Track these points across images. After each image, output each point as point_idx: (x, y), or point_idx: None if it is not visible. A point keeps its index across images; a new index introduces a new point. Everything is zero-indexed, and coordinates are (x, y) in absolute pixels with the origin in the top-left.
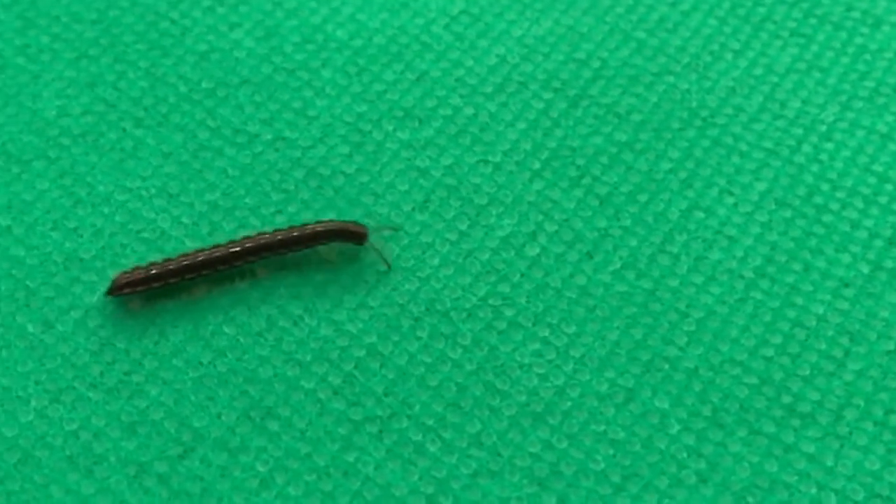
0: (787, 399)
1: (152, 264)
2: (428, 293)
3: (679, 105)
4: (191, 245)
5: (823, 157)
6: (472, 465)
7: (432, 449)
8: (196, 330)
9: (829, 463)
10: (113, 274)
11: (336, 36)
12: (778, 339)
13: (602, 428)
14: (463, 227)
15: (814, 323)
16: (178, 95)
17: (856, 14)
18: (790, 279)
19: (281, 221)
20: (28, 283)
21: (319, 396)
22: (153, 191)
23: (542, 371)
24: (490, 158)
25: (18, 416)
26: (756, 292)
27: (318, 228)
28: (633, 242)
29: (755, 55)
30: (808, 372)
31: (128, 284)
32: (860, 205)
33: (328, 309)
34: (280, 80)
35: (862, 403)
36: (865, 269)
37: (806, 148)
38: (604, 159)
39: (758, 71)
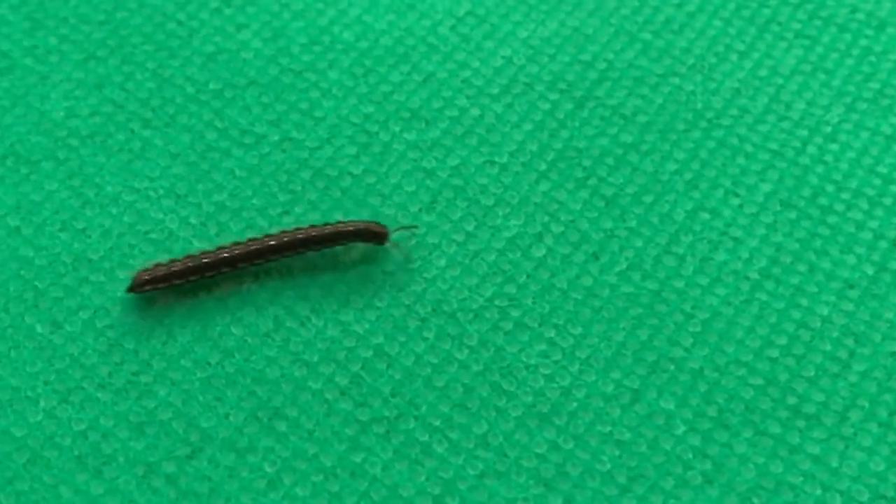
0: (792, 400)
1: (173, 261)
2: (434, 294)
3: (684, 106)
4: (198, 245)
5: (828, 158)
6: (479, 465)
7: (439, 449)
8: (204, 331)
9: (834, 464)
10: (134, 271)
11: (343, 37)
12: (783, 341)
13: (608, 429)
14: (469, 227)
15: (819, 324)
16: (185, 97)
17: (860, 16)
18: (795, 280)
19: (288, 222)
20: (37, 283)
21: (327, 397)
22: (161, 191)
23: (548, 372)
24: (496, 159)
25: (27, 417)
26: (761, 293)
27: (341, 228)
28: (639, 243)
29: (760, 56)
30: (813, 373)
31: (149, 281)
32: (865, 206)
33: (335, 310)
34: (287, 82)
35: (867, 405)
36: (870, 271)
37: (811, 149)
38: (609, 160)
39: (763, 72)
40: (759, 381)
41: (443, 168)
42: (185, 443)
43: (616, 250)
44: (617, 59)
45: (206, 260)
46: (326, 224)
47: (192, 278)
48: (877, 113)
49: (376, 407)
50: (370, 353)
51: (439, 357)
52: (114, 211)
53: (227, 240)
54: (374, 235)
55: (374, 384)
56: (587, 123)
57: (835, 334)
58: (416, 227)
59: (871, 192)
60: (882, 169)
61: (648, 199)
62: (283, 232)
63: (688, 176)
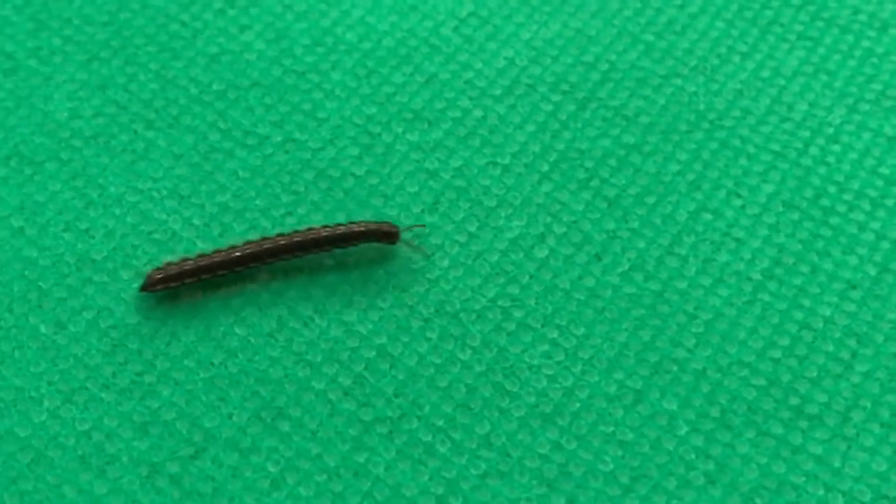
0: (794, 401)
1: (185, 260)
2: (437, 295)
3: (687, 108)
4: (201, 246)
5: (830, 159)
6: (482, 465)
7: (442, 450)
8: (207, 331)
9: (837, 464)
10: (147, 270)
11: (346, 39)
12: (785, 341)
13: (611, 429)
14: (472, 228)
15: (821, 325)
16: (188, 97)
17: (862, 17)
18: (797, 281)
19: (291, 223)
20: (41, 284)
21: (330, 397)
22: (164, 192)
23: (550, 372)
24: (499, 160)
25: (31, 417)
26: (764, 294)
27: (354, 229)
28: (642, 244)
29: (762, 58)
30: (815, 374)
31: (161, 280)
32: (867, 207)
33: (338, 310)
34: (290, 83)
35: (869, 405)
36: (872, 272)
37: (813, 150)
38: (612, 161)
39: (765, 74)
40: (762, 382)
41: (445, 169)
42: (188, 443)
43: (618, 251)
44: (619, 60)
45: (218, 259)
46: (339, 224)
47: (204, 277)
48: (879, 114)
49: (379, 407)
50: (373, 353)
51: (442, 357)
52: (117, 211)
53: (230, 240)
54: (386, 235)
55: (377, 384)
56: (589, 125)
57: (837, 335)
58: (422, 226)
59: (873, 193)
60: (884, 170)
61: (651, 200)
62: (296, 232)
63: (690, 177)
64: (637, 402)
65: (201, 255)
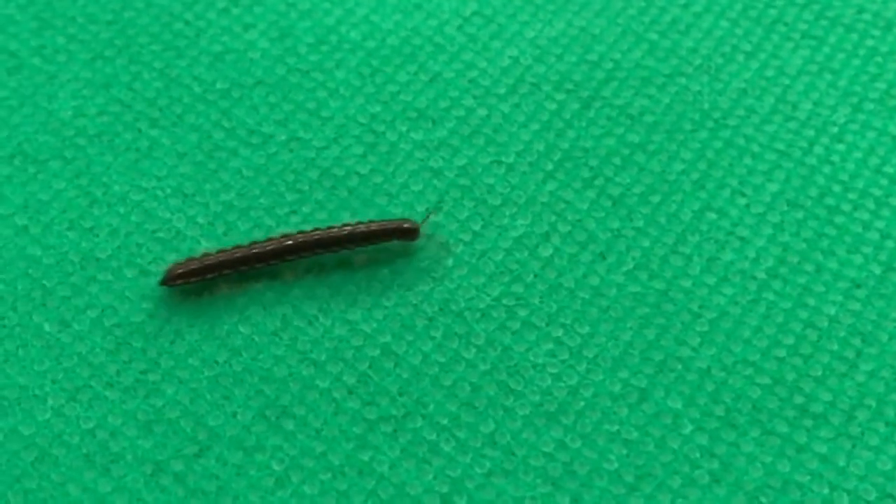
0: (799, 399)
1: (206, 255)
2: (442, 293)
3: (691, 106)
4: (206, 245)
5: (835, 158)
6: (487, 464)
7: (447, 448)
8: (211, 329)
9: (842, 463)
10: (167, 265)
11: (350, 37)
12: (790, 340)
13: (615, 428)
14: (476, 227)
15: (826, 324)
16: (192, 96)
17: (867, 16)
18: (802, 280)
19: (296, 222)
20: (45, 282)
21: (334, 396)
22: (168, 191)
23: (555, 371)
24: (503, 159)
25: (35, 415)
26: (768, 293)
27: (374, 227)
28: (646, 243)
29: (767, 57)
30: (820, 373)
31: (182, 275)
32: (872, 206)
33: (343, 309)
34: (294, 81)
35: (874, 404)
36: (877, 270)
37: (817, 149)
38: (616, 160)
39: (769, 72)
40: (767, 381)
41: (450, 168)
42: (192, 441)
43: (623, 250)
44: (624, 59)
45: (239, 254)
46: (359, 223)
47: (224, 273)
48: (883, 113)
49: (384, 406)
50: (378, 352)
51: (447, 356)
52: (121, 210)
53: (234, 239)
54: (407, 232)
55: (381, 383)
56: (594, 123)
57: (842, 334)
58: (434, 211)
59: (877, 192)
60: (889, 169)
61: (655, 198)
62: (316, 230)
63: (695, 176)
64: (642, 401)
65: (221, 251)
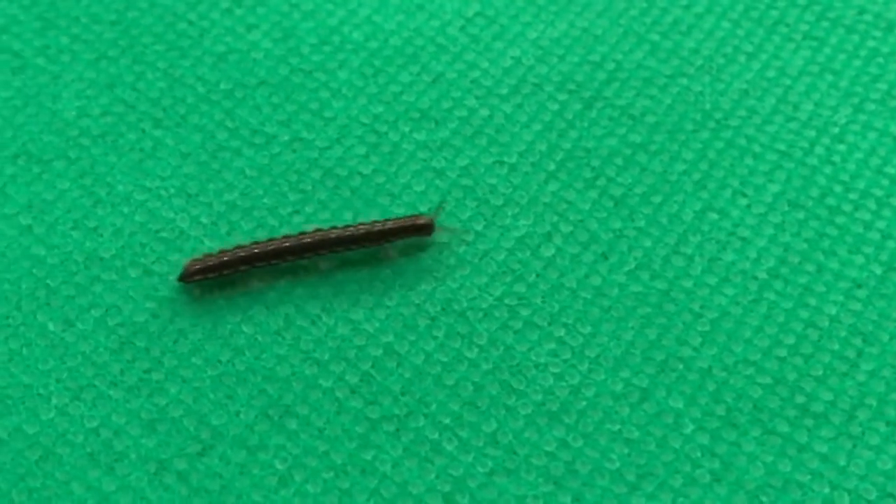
0: (800, 399)
1: (223, 251)
2: (444, 293)
3: (693, 107)
4: (209, 245)
5: (836, 158)
6: (489, 463)
7: (449, 447)
8: (215, 329)
9: (842, 462)
10: (184, 261)
11: (352, 38)
12: (791, 340)
13: (617, 427)
14: (479, 227)
15: (827, 324)
16: (196, 96)
17: (868, 17)
18: (803, 280)
19: (298, 222)
20: (49, 281)
21: (337, 395)
22: (172, 191)
23: (557, 370)
24: (505, 159)
25: (40, 414)
26: (769, 293)
27: (390, 225)
28: (648, 243)
29: (768, 58)
30: (821, 372)
31: (200, 271)
32: (873, 206)
33: (345, 308)
34: (297, 82)
35: (874, 403)
36: (878, 271)
37: (818, 150)
38: (618, 161)
39: (771, 73)
40: (768, 380)
41: (452, 168)
42: (196, 440)
43: (625, 250)
44: (626, 59)
45: (257, 251)
46: (374, 221)
47: (241, 269)
48: (884, 114)
49: (386, 405)
50: (380, 351)
51: (449, 356)
52: (125, 210)
53: (237, 239)
54: (422, 227)
55: (384, 382)
56: (596, 124)
57: (843, 334)
58: (445, 204)
59: (878, 192)
60: (890, 169)
61: (657, 199)
62: (333, 228)
63: (696, 176)
64: (643, 401)
65: (239, 247)
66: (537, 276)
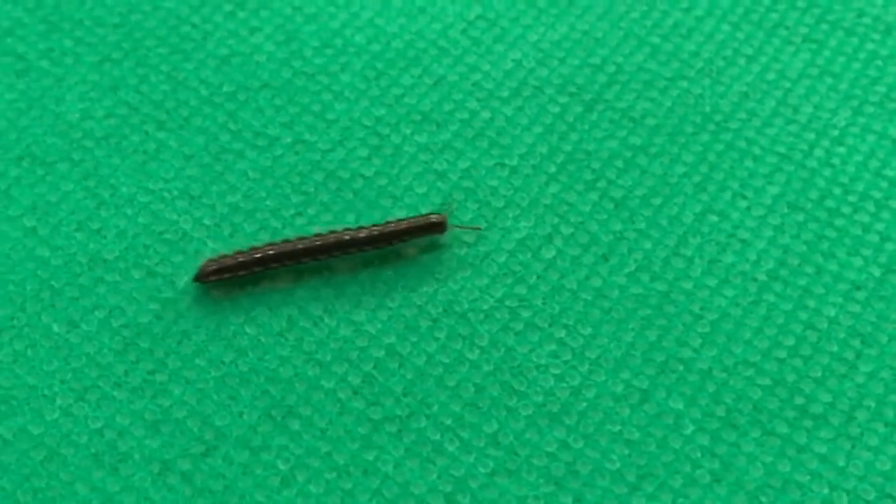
0: (799, 400)
1: (238, 252)
2: (446, 294)
3: (693, 109)
4: (212, 247)
5: (835, 161)
6: (490, 464)
7: (450, 448)
8: (218, 330)
9: (841, 463)
10: (201, 261)
11: (355, 41)
12: (790, 342)
13: (617, 428)
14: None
15: (826, 325)
16: (199, 99)
17: (867, 20)
18: (802, 282)
19: (301, 224)
20: (53, 283)
21: (339, 396)
22: (175, 193)
23: (558, 372)
24: (506, 162)
25: (44, 415)
26: (769, 295)
27: (404, 226)
28: (648, 245)
29: (768, 60)
30: (820, 374)
31: (216, 271)
32: (872, 208)
33: (348, 310)
34: (300, 84)
35: (873, 405)
36: (877, 273)
37: (818, 152)
38: (619, 163)
39: (770, 76)
40: (767, 382)
41: (453, 170)
42: (199, 441)
43: (625, 252)
44: (626, 62)
45: (273, 252)
46: (387, 222)
47: (256, 270)
48: (883, 116)
49: (388, 406)
50: (382, 352)
51: (451, 357)
52: (128, 212)
53: (240, 241)
54: (435, 226)
55: (386, 383)
56: (596, 126)
57: (842, 335)
58: (451, 205)
59: (877, 194)
60: (889, 172)
61: (657, 201)
62: (347, 229)
63: (696, 178)
64: (643, 402)
65: (254, 248)
66: (538, 277)
